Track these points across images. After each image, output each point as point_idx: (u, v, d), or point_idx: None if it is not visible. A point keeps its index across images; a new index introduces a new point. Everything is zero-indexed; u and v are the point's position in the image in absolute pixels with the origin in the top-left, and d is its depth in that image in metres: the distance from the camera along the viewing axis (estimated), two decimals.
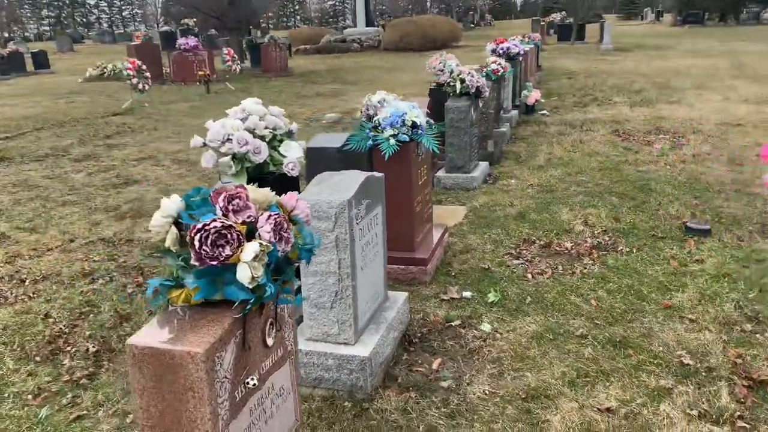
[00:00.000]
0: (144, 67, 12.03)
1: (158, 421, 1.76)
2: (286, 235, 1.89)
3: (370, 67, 19.74)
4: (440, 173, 6.33)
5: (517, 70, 10.11)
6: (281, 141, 3.17)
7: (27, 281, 4.31)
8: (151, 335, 1.75)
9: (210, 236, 1.70)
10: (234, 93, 14.10)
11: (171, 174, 7.16)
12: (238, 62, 16.17)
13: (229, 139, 2.94)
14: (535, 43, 15.09)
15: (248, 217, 1.83)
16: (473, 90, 6.19)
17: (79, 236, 5.19)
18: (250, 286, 1.74)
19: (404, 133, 3.90)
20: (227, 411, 1.81)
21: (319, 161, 3.89)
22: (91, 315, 3.78)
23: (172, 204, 1.85)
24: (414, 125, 3.94)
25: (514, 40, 10.64)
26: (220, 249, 1.71)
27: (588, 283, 3.98)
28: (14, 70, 20.96)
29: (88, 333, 3.55)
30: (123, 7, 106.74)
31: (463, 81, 6.14)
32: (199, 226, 1.70)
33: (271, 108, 3.22)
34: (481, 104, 6.77)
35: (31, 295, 4.09)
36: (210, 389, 1.71)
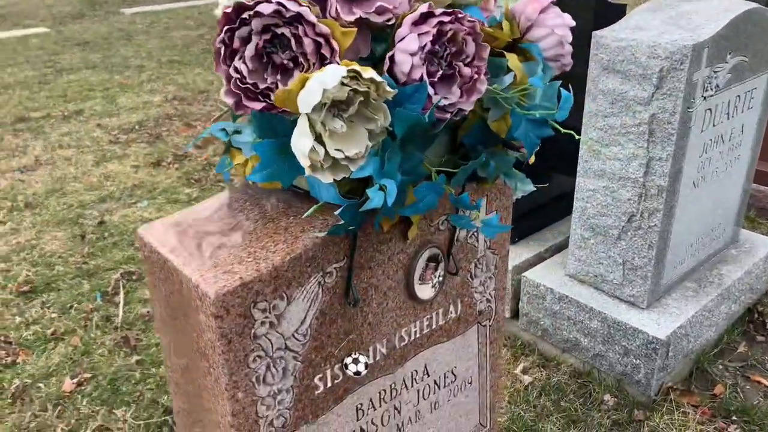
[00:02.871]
0: None
1: (176, 364, 0.97)
2: (459, 65, 0.77)
3: None
4: None
5: None
6: None
7: None
8: (175, 229, 0.90)
9: (254, 40, 0.69)
10: None
11: None
12: None
13: None
14: None
15: (377, 8, 0.74)
16: None
17: None
18: (315, 176, 0.71)
19: None
20: (288, 409, 0.90)
21: None
22: None
23: None
24: None
25: None
26: (276, 73, 0.70)
27: None
28: None
29: None
30: None
31: None
32: (230, 7, 0.69)
33: None
34: None
35: None
36: (231, 363, 0.81)
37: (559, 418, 1.71)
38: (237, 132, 0.88)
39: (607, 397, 1.75)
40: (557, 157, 2.15)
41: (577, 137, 0.85)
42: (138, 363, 1.93)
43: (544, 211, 2.20)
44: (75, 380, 1.85)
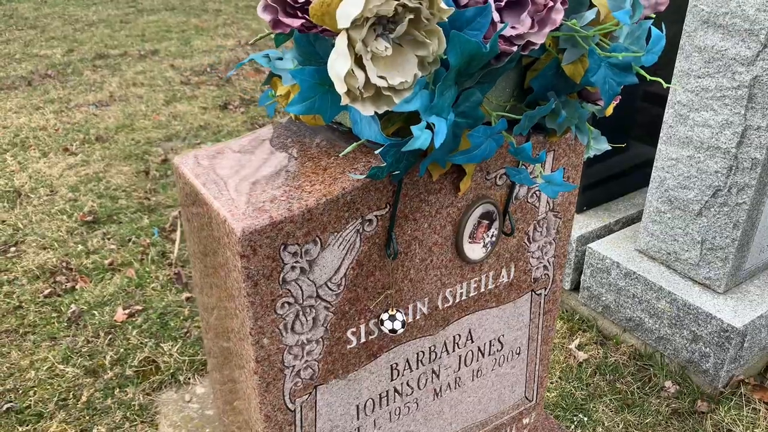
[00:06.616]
0: None
1: (206, 302, 0.94)
2: None
3: None
4: None
5: None
6: None
7: None
8: (210, 161, 0.84)
9: None
10: None
11: None
12: None
13: None
14: None
15: None
16: None
17: None
18: (354, 106, 0.62)
19: None
20: (317, 360, 0.85)
21: None
22: None
23: None
24: None
25: None
26: None
27: None
28: None
29: None
30: None
31: None
32: None
33: None
34: None
35: None
36: (257, 307, 0.76)
37: (612, 400, 1.60)
38: (279, 59, 0.80)
39: (668, 383, 1.63)
40: (638, 122, 1.98)
41: (666, 85, 0.72)
42: (188, 300, 1.94)
43: (618, 181, 2.04)
44: (127, 311, 1.89)
